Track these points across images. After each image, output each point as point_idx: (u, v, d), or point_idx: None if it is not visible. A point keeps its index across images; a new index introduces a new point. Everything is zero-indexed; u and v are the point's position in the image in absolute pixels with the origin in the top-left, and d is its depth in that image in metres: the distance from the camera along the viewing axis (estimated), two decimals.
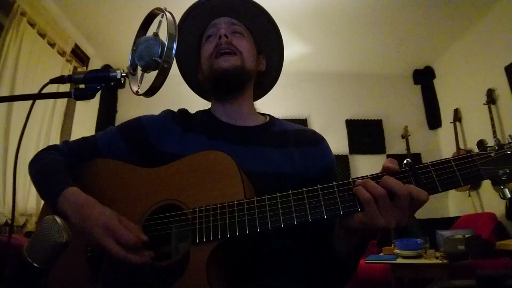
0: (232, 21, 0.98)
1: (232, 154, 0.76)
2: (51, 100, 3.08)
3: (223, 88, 0.95)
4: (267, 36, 1.03)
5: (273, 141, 0.92)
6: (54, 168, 0.81)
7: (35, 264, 0.56)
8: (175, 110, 1.02)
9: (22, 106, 2.62)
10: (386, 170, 0.64)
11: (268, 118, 1.03)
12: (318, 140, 0.95)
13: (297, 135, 0.95)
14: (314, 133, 0.98)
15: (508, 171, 0.60)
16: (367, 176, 0.65)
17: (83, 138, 0.94)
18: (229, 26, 0.96)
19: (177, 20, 0.77)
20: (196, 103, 1.10)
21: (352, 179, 0.65)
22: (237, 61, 0.91)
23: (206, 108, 1.05)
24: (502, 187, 0.61)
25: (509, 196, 0.61)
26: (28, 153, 0.88)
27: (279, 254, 0.81)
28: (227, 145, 0.89)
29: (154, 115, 0.98)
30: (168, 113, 0.99)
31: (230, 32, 0.95)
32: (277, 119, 1.03)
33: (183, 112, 1.01)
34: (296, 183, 0.72)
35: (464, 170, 0.61)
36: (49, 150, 0.90)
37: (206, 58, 0.95)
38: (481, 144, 0.64)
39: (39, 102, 0.83)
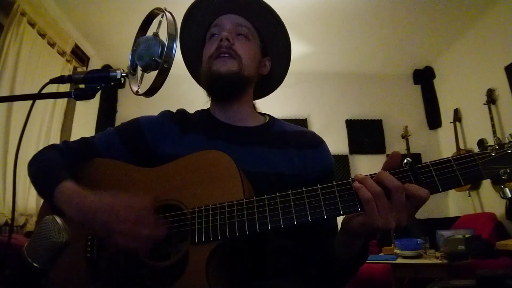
0: (239, 21, 0.95)
1: (231, 154, 0.75)
2: (51, 100, 3.08)
3: (217, 92, 0.94)
4: (275, 40, 1.00)
5: (273, 141, 0.92)
6: (50, 165, 0.80)
7: (35, 264, 0.56)
8: (175, 110, 1.01)
9: (22, 106, 2.62)
10: (385, 168, 0.64)
11: (267, 118, 1.02)
12: (317, 142, 0.95)
13: (296, 137, 0.95)
14: (313, 135, 0.98)
15: (508, 171, 0.59)
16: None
17: (82, 139, 0.93)
18: (234, 27, 0.94)
19: (177, 20, 0.76)
20: (196, 103, 1.09)
21: (351, 178, 0.65)
22: (234, 66, 0.90)
23: (205, 108, 1.04)
24: (502, 186, 0.61)
25: (510, 195, 0.61)
26: (28, 153, 0.88)
27: (279, 254, 0.80)
28: (226, 145, 0.88)
29: (152, 116, 0.97)
30: (166, 114, 0.98)
31: (233, 34, 0.93)
32: (277, 119, 1.03)
33: (182, 112, 1.00)
34: (295, 185, 0.71)
35: (465, 169, 0.61)
36: (48, 148, 0.89)
37: (206, 58, 0.94)
38: (481, 143, 0.63)
39: (39, 102, 0.83)
